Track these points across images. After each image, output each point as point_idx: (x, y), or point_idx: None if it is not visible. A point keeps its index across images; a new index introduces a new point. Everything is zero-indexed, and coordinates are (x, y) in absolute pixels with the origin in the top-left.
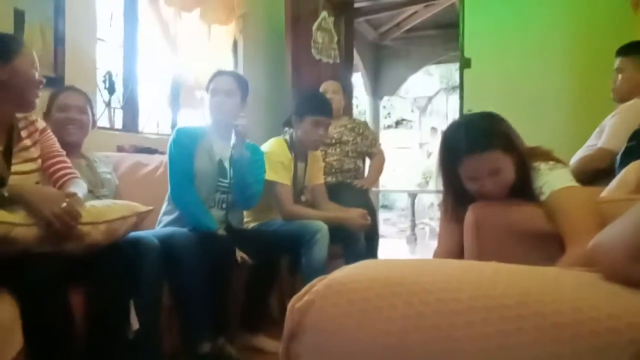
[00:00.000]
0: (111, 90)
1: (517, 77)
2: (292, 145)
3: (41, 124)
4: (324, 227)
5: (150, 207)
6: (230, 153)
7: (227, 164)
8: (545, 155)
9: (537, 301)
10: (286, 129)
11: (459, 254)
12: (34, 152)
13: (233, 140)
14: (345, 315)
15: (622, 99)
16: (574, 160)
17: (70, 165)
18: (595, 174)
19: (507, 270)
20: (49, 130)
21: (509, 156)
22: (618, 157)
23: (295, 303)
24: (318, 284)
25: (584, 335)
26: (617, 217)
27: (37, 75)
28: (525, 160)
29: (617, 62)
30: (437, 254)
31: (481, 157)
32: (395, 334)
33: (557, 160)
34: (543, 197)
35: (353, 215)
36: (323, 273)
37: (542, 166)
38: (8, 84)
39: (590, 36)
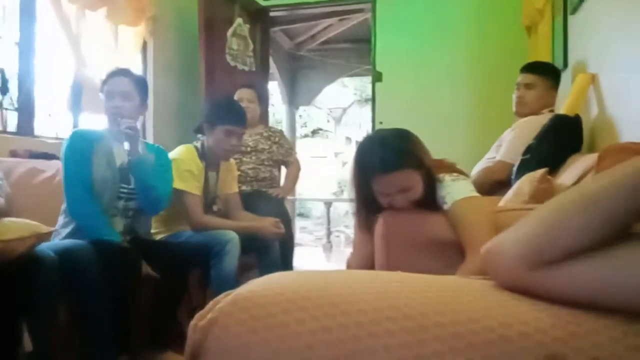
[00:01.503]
0: (4, 90)
1: (424, 92)
2: (202, 154)
3: None
4: (234, 237)
5: (52, 228)
6: (128, 159)
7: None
8: (449, 168)
9: (437, 312)
10: (198, 136)
11: (372, 262)
12: None
13: (126, 146)
14: (249, 333)
15: (529, 113)
16: (474, 171)
17: None
18: (494, 184)
19: (410, 281)
20: None
21: (418, 173)
22: (514, 169)
23: (198, 322)
24: (222, 301)
25: (478, 345)
26: (512, 225)
27: None
28: (432, 174)
29: (528, 78)
30: (350, 262)
31: (393, 176)
32: (301, 351)
33: (460, 172)
34: (446, 207)
35: (266, 224)
36: (234, 285)
37: (446, 177)
38: None
39: (489, 57)
